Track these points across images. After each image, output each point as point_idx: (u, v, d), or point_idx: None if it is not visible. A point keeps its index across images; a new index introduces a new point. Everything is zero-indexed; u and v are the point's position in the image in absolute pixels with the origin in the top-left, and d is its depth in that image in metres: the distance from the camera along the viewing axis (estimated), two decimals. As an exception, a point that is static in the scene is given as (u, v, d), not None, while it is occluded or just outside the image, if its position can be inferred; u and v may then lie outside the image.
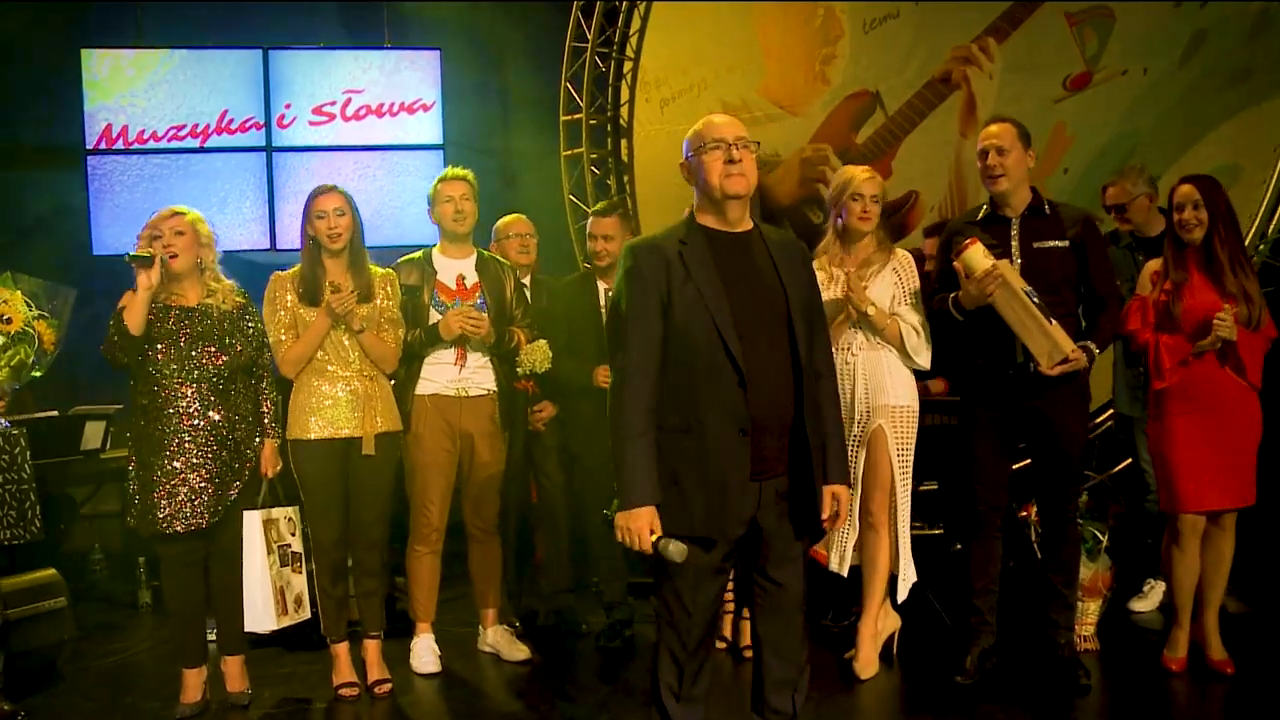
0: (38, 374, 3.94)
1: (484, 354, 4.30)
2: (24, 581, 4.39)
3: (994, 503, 4.08)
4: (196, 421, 3.82)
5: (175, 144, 6.62)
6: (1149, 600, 4.88)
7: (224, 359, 3.87)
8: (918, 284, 4.18)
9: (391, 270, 4.21)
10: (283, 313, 4.00)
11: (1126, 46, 6.14)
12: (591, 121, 7.50)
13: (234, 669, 4.08)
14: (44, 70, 6.55)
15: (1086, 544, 4.30)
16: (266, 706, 4.06)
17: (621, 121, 7.51)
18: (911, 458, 4.15)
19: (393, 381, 4.21)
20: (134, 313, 3.70)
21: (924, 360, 4.12)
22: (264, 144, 6.75)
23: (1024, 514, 4.63)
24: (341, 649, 4.15)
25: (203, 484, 3.81)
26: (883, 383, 4.11)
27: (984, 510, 4.07)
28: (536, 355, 4.32)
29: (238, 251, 6.24)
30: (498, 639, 4.51)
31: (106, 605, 5.55)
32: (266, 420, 4.03)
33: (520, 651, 4.46)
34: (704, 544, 2.83)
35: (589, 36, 7.29)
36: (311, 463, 4.01)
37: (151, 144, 6.58)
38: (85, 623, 4.94)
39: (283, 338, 3.99)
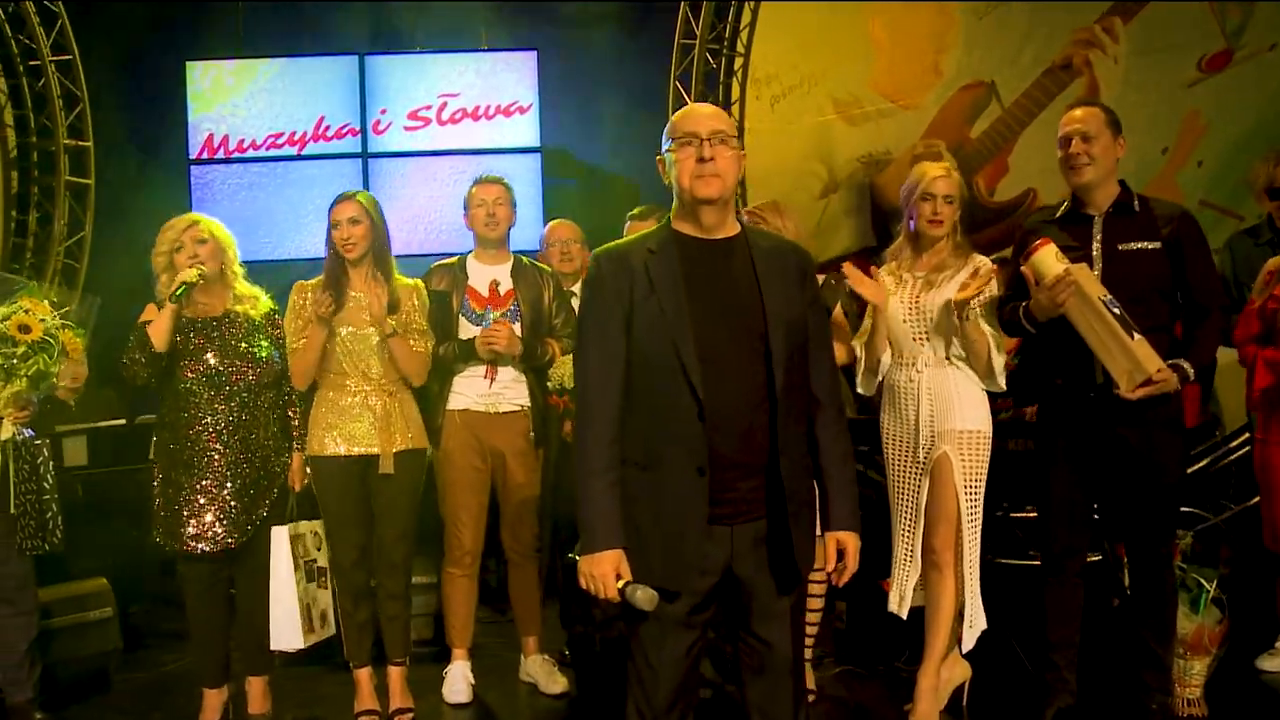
0: (61, 383, 3.90)
1: (516, 368, 4.04)
2: (70, 591, 4.39)
3: (1073, 545, 3.59)
4: (225, 438, 3.71)
5: (273, 152, 6.65)
6: (1280, 657, 4.22)
7: (255, 372, 3.75)
8: (995, 293, 3.68)
9: (419, 280, 4.01)
10: (300, 322, 3.85)
11: (1276, 17, 5.38)
12: (704, 122, 7.19)
13: (257, 689, 3.97)
14: (152, 82, 6.68)
15: (1190, 593, 3.72)
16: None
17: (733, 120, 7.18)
18: (982, 489, 3.67)
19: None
20: (160, 328, 3.60)
21: (1003, 380, 3.64)
22: (360, 150, 6.71)
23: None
24: (363, 674, 3.97)
25: (232, 503, 3.70)
26: (950, 404, 3.64)
27: (1060, 552, 3.58)
28: (567, 370, 4.04)
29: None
30: (536, 669, 4.26)
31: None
32: (294, 432, 3.89)
33: (558, 684, 4.20)
34: (666, 595, 2.49)
35: (697, 32, 7.00)
36: (329, 480, 3.84)
37: (251, 152, 6.64)
38: (148, 632, 4.94)
39: (295, 348, 3.84)
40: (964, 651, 3.73)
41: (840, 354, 3.86)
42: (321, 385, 3.86)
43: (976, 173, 6.17)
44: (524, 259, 4.22)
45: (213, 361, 3.71)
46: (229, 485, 3.70)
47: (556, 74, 6.88)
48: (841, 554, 2.59)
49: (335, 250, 3.84)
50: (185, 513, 3.67)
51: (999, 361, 3.59)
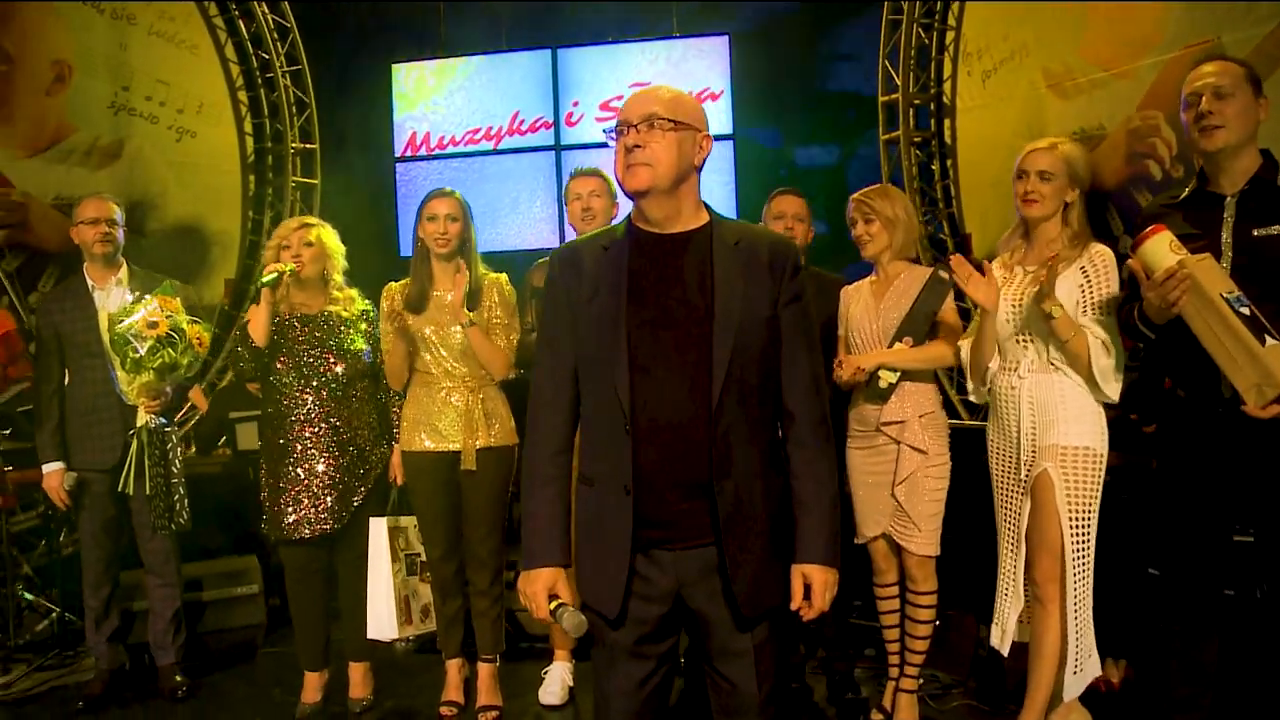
0: (189, 375, 4.16)
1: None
2: (221, 567, 4.70)
3: (1201, 588, 3.04)
4: (318, 428, 3.84)
5: (471, 147, 6.84)
6: None
7: (342, 366, 3.86)
8: (1115, 289, 3.18)
9: (503, 275, 3.96)
10: (390, 324, 3.90)
11: None
12: (915, 101, 6.76)
13: (357, 675, 4.08)
14: (363, 86, 7.04)
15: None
16: (378, 715, 4.02)
17: (944, 99, 6.68)
18: (1093, 515, 3.19)
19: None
20: (257, 324, 3.78)
21: (1113, 390, 3.14)
22: (553, 143, 6.77)
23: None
24: (452, 666, 4.00)
25: (325, 490, 3.83)
26: (1053, 416, 3.19)
27: (1186, 598, 3.05)
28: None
29: (529, 250, 6.32)
30: (637, 676, 4.12)
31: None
32: (394, 427, 3.97)
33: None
34: (609, 621, 2.31)
35: (905, 7, 6.57)
36: (418, 475, 3.87)
37: (450, 148, 6.85)
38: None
39: (388, 349, 3.89)
40: (1066, 698, 3.25)
41: (945, 355, 3.50)
42: (413, 382, 3.89)
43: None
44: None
45: (303, 354, 3.84)
46: (321, 474, 3.82)
47: (749, 59, 6.66)
48: (808, 590, 2.30)
49: (423, 245, 3.85)
50: (283, 500, 3.83)
51: (1105, 367, 3.10)
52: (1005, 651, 3.36)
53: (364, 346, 3.92)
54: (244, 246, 7.02)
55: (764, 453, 2.29)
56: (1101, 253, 3.18)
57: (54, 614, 4.86)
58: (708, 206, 2.40)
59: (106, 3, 6.40)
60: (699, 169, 2.36)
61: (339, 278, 4.00)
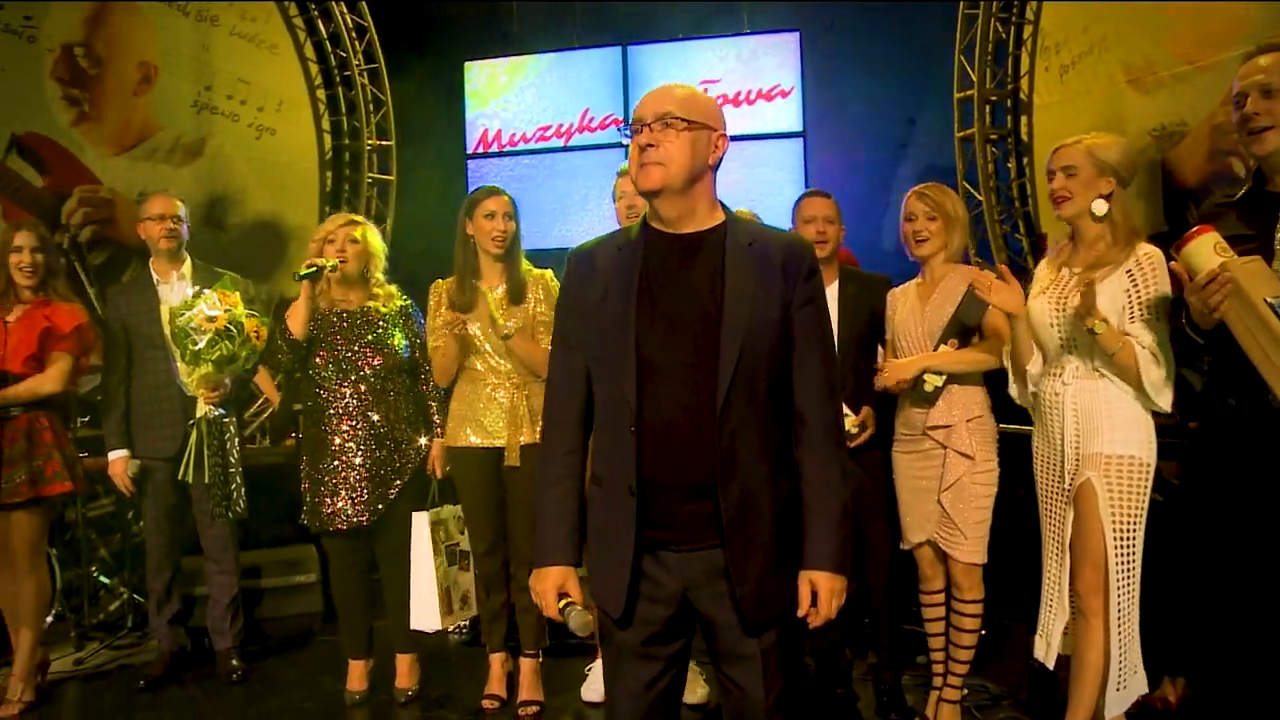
0: (247, 367, 4.26)
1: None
2: (280, 555, 4.81)
3: (1263, 603, 2.91)
4: (355, 422, 3.91)
5: (541, 145, 6.88)
6: None
7: (379, 360, 3.92)
8: (1165, 291, 3.05)
9: (548, 271, 3.98)
10: (437, 320, 3.94)
11: None
12: (991, 98, 6.63)
13: (403, 666, 4.14)
14: (437, 83, 7.13)
15: None
16: (422, 705, 4.07)
17: (1021, 95, 6.53)
18: (1138, 527, 3.07)
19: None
20: (296, 317, 3.86)
21: (1165, 400, 3.03)
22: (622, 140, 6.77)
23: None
24: (495, 659, 4.04)
25: (361, 483, 3.89)
26: (1097, 423, 3.08)
27: (1247, 614, 2.93)
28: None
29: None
30: (680, 676, 4.11)
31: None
32: (433, 421, 4.02)
33: (696, 694, 4.03)
34: (617, 621, 2.31)
35: (979, 2, 6.44)
36: (463, 470, 3.91)
37: (521, 145, 6.91)
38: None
39: (438, 345, 3.94)
40: (1108, 716, 3.14)
41: (990, 358, 3.43)
42: (460, 379, 3.93)
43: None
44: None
45: (341, 349, 3.91)
46: (358, 467, 3.89)
47: (820, 55, 6.59)
48: (815, 597, 2.27)
49: (471, 242, 3.88)
50: (321, 492, 3.91)
51: (1156, 378, 2.99)
52: (1050, 664, 3.26)
53: (403, 342, 3.98)
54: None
55: (773, 457, 2.26)
56: (1149, 254, 3.07)
57: (124, 596, 5.03)
58: (724, 207, 2.37)
59: (191, 4, 6.59)
60: (714, 169, 2.34)
61: (379, 275, 4.06)
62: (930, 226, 3.55)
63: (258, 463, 4.32)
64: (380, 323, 3.97)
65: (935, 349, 3.49)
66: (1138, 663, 3.12)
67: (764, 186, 6.50)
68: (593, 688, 4.06)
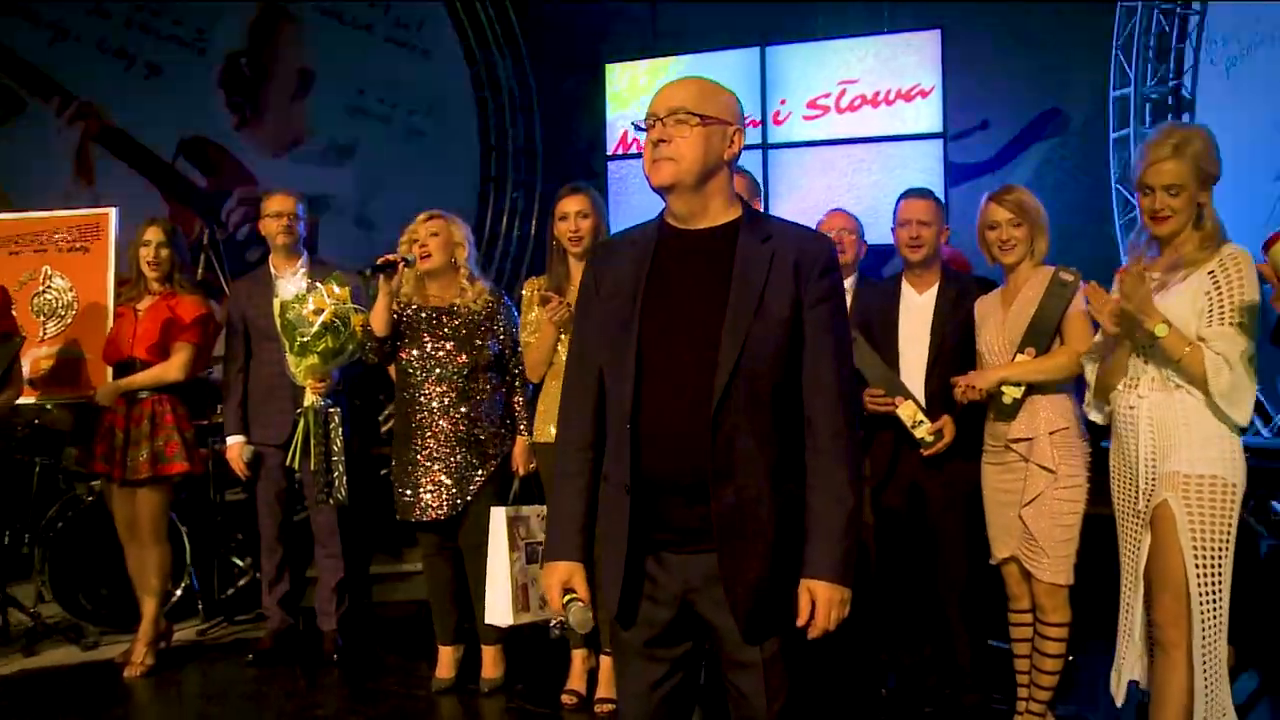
0: (353, 360, 4.40)
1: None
2: (390, 542, 4.97)
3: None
4: (441, 417, 4.00)
5: (680, 146, 6.86)
6: None
7: (465, 357, 4.00)
8: (1250, 293, 2.80)
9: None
10: (531, 316, 3.99)
11: None
12: (1153, 96, 6.26)
13: (487, 657, 4.21)
14: (580, 87, 7.23)
15: None
16: (505, 696, 4.14)
17: (1184, 93, 6.14)
18: (1225, 551, 2.83)
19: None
20: (377, 315, 3.99)
21: (1240, 413, 2.79)
22: (760, 141, 6.71)
23: None
24: (577, 656, 4.07)
25: (443, 477, 3.99)
26: (1174, 439, 2.87)
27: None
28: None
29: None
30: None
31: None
32: (519, 418, 4.07)
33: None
34: (618, 620, 2.30)
35: (1144, -11, 6.09)
36: (547, 468, 3.95)
37: (661, 147, 6.90)
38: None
39: (530, 342, 3.99)
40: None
41: (1069, 365, 3.23)
42: (548, 376, 3.97)
43: None
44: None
45: (430, 346, 4.00)
46: (445, 461, 3.98)
47: (963, 53, 6.34)
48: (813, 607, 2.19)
49: (558, 244, 3.92)
50: (407, 484, 4.02)
51: (1224, 386, 2.75)
52: (1120, 700, 3.05)
53: (490, 339, 4.04)
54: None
55: (775, 461, 2.18)
56: (1235, 255, 2.83)
57: (249, 576, 5.30)
58: (744, 203, 2.32)
59: (348, 10, 6.91)
60: (730, 164, 2.29)
61: (467, 268, 4.13)
62: (1015, 233, 3.38)
63: (380, 452, 4.49)
64: (468, 320, 4.04)
65: (1013, 359, 3.31)
66: (1227, 704, 2.88)
67: (903, 189, 6.28)
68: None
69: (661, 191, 2.25)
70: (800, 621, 2.19)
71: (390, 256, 3.96)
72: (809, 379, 2.21)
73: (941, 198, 6.26)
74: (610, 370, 2.26)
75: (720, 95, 2.30)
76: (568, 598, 2.30)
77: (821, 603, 2.17)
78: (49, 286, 4.60)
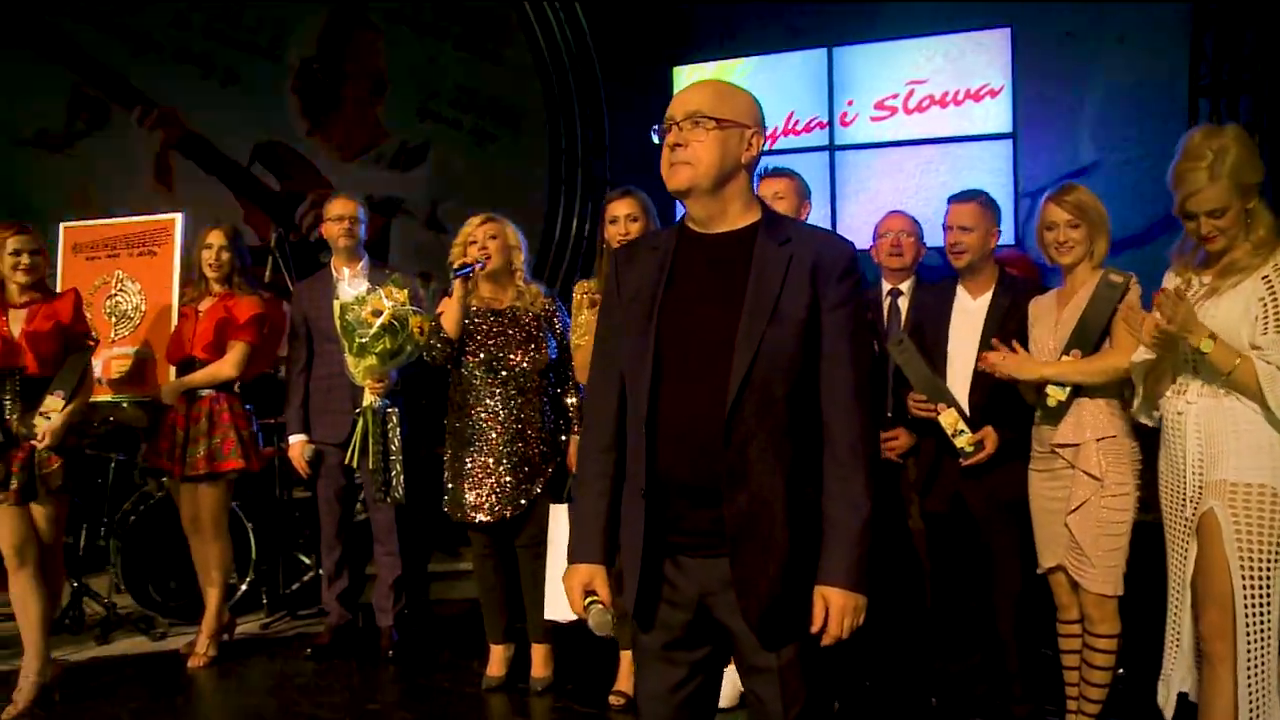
0: (410, 361, 4.46)
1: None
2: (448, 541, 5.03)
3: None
4: (498, 419, 4.05)
5: (747, 149, 6.84)
6: None
7: (525, 361, 4.04)
8: None
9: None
10: (581, 318, 4.02)
11: None
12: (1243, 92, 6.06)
13: (538, 656, 4.24)
14: (646, 87, 7.23)
15: None
16: (554, 695, 4.17)
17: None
18: (1274, 563, 2.75)
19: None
20: (449, 317, 4.04)
21: (1292, 420, 2.70)
22: (827, 143, 6.65)
23: None
24: (625, 656, 4.05)
25: (506, 478, 4.04)
26: (1222, 446, 2.80)
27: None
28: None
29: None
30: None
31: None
32: (573, 418, 4.12)
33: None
34: (636, 620, 2.31)
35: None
36: (596, 466, 3.97)
37: (727, 149, 6.88)
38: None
39: (580, 344, 4.01)
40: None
41: (1117, 367, 3.15)
42: (593, 377, 4.00)
43: None
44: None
45: (491, 349, 4.05)
46: (503, 463, 4.03)
47: (1034, 52, 6.21)
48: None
49: (608, 245, 3.94)
50: (466, 485, 4.06)
51: (1278, 395, 2.66)
52: (1169, 714, 2.96)
53: (549, 342, 4.07)
54: (538, 243, 7.45)
55: (790, 467, 2.16)
56: None
57: (313, 572, 5.41)
58: (764, 206, 2.31)
59: (421, 16, 7.02)
60: (749, 167, 2.29)
61: (523, 271, 4.18)
62: (1074, 235, 3.31)
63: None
64: (528, 323, 4.09)
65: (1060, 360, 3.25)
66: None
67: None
68: (722, 693, 3.99)
69: (679, 196, 2.25)
70: (814, 628, 2.18)
71: (466, 260, 4.01)
72: (826, 385, 2.19)
73: (1011, 199, 6.21)
74: (629, 373, 2.27)
75: (737, 98, 2.30)
76: (588, 600, 2.32)
77: (835, 610, 2.15)
78: (121, 290, 4.76)
